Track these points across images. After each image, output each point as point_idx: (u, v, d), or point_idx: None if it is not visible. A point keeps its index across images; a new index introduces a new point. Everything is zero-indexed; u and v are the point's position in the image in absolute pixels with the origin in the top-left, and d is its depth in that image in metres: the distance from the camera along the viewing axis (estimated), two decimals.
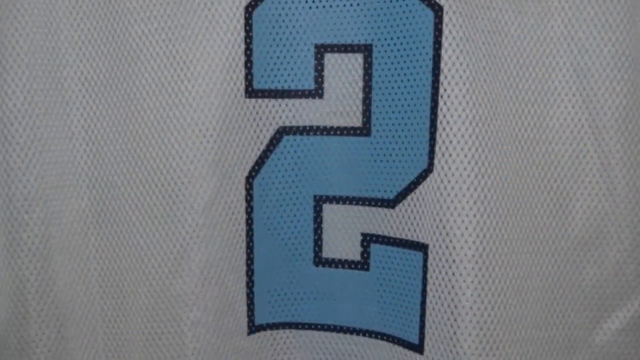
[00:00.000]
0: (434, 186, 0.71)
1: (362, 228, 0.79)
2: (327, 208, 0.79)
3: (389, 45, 0.74)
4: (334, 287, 0.81)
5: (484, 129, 0.69)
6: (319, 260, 0.81)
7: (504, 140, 0.71)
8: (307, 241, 0.80)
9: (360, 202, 0.78)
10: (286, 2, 0.75)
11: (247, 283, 0.79)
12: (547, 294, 0.75)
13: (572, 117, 0.74)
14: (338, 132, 0.77)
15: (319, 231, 0.80)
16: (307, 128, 0.78)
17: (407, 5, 0.71)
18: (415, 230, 0.74)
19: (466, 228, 0.69)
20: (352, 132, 0.77)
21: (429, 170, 0.71)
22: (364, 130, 0.76)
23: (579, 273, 0.76)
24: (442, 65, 0.69)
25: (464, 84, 0.68)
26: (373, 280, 0.79)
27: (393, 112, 0.75)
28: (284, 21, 0.75)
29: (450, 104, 0.68)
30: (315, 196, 0.79)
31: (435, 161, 0.70)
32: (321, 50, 0.76)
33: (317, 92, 0.77)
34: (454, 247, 0.69)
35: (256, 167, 0.77)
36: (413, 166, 0.74)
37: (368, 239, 0.79)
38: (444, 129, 0.69)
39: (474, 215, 0.69)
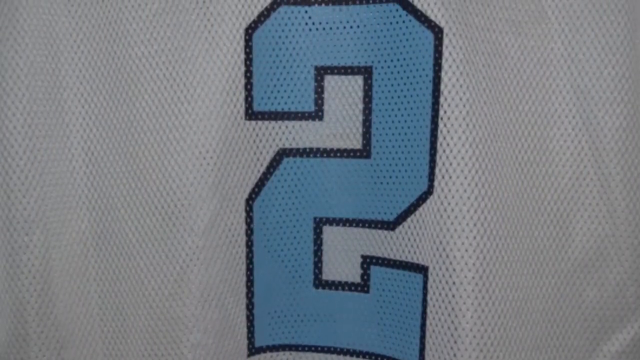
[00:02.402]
0: (434, 208, 0.71)
1: (362, 250, 0.78)
2: (327, 230, 0.79)
3: (389, 67, 0.74)
4: (334, 309, 0.81)
5: (484, 151, 0.69)
6: (319, 282, 0.80)
7: (504, 163, 0.71)
8: (307, 263, 0.80)
9: (360, 224, 0.78)
10: (286, 25, 0.75)
11: (247, 305, 0.79)
12: (547, 316, 0.75)
13: (572, 139, 0.74)
14: (338, 154, 0.77)
15: (319, 253, 0.80)
16: (307, 150, 0.78)
17: (407, 27, 0.71)
18: (415, 252, 0.74)
19: (466, 250, 0.69)
20: (352, 154, 0.77)
21: (429, 192, 0.71)
22: (364, 152, 0.76)
23: (579, 295, 0.76)
24: (442, 87, 0.69)
25: (464, 106, 0.68)
26: (373, 302, 0.79)
27: (393, 134, 0.74)
28: (284, 43, 0.75)
29: (450, 126, 0.68)
30: (315, 218, 0.79)
31: (435, 183, 0.70)
32: (321, 73, 0.76)
33: (317, 114, 0.77)
34: (454, 269, 0.69)
35: (256, 189, 0.77)
36: (413, 188, 0.73)
37: (368, 261, 0.78)
38: (444, 151, 0.69)
39: (474, 237, 0.69)
